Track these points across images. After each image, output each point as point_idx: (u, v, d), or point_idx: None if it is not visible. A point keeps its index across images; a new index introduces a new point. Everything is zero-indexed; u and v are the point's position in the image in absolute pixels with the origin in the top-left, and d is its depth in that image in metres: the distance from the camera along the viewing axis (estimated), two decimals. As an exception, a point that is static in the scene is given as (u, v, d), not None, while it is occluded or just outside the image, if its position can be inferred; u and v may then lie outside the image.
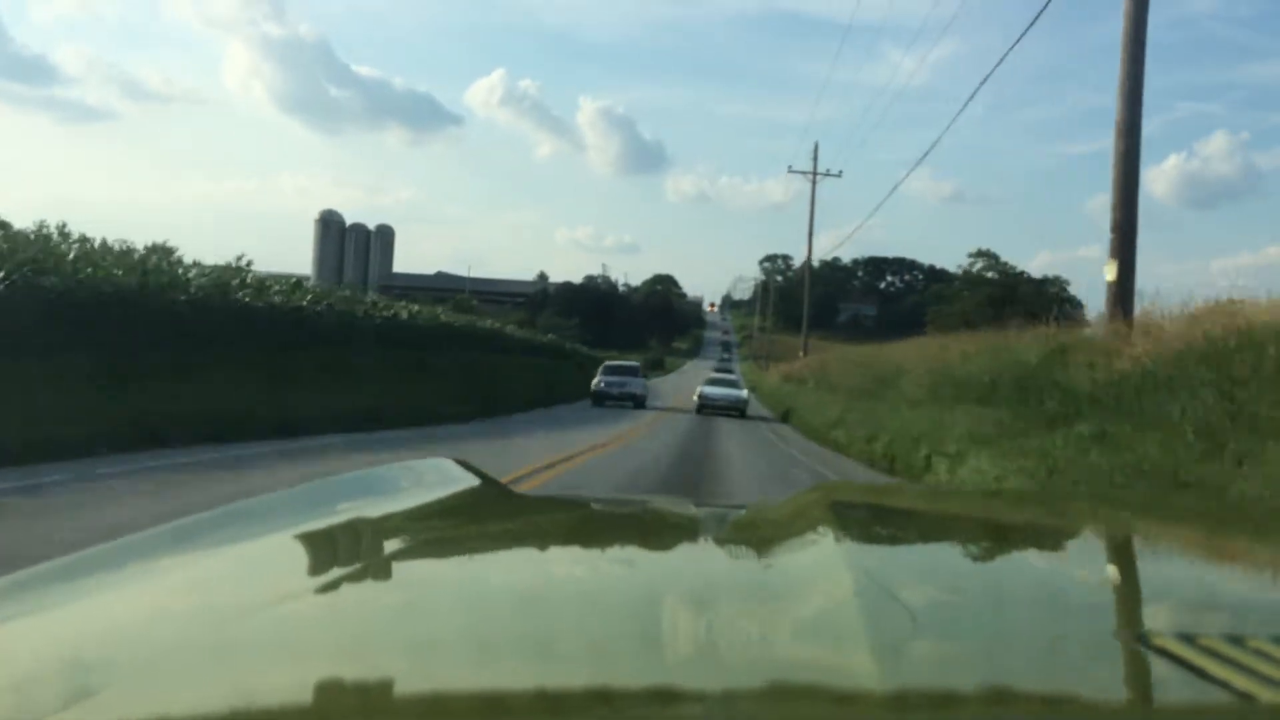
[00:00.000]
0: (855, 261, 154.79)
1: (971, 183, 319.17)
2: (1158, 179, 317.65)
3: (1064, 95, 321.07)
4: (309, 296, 17.85)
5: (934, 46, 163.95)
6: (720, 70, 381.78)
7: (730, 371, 46.23)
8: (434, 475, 1.48)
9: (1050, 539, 1.29)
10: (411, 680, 0.63)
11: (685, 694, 0.59)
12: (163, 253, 15.20)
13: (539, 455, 12.42)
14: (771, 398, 39.57)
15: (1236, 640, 0.66)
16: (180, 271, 14.28)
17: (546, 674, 0.64)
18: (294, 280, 19.18)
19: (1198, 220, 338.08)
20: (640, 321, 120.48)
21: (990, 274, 70.73)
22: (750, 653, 0.69)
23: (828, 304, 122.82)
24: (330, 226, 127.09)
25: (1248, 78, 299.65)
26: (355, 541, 1.08)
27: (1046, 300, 66.87)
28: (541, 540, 1.17)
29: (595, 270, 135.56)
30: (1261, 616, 0.83)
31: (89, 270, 11.41)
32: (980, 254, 71.78)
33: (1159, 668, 0.64)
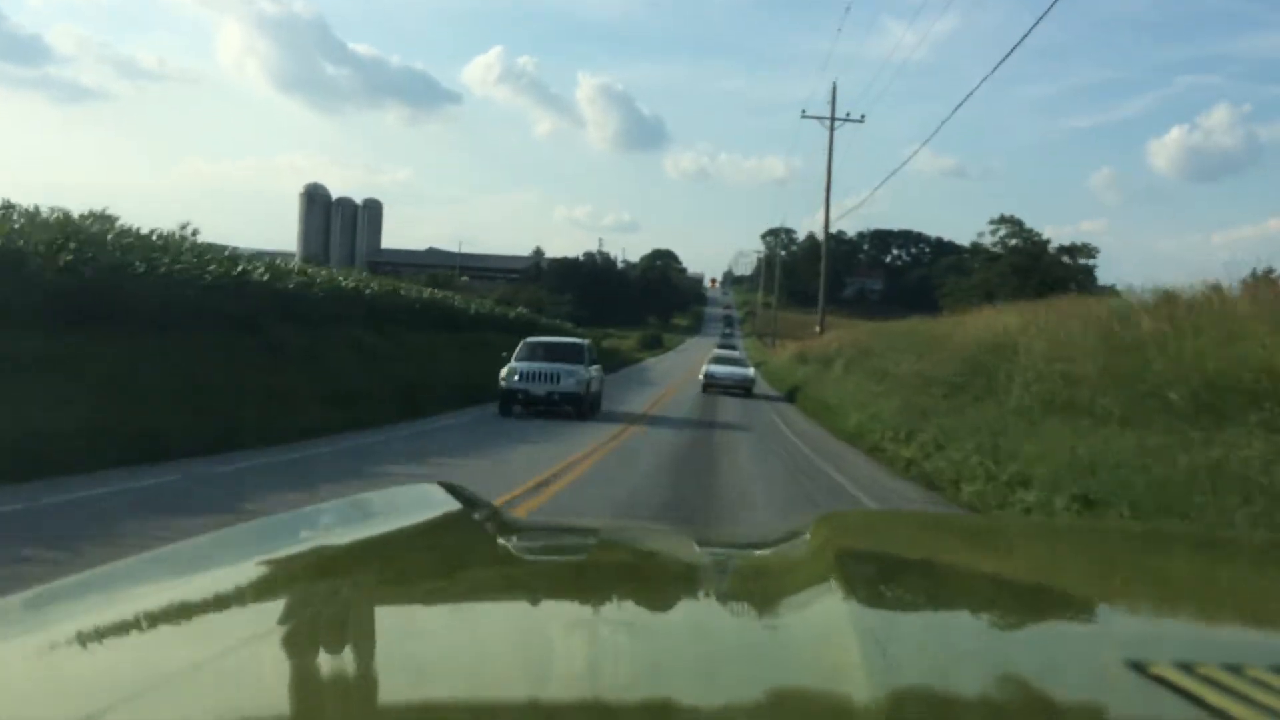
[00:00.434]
0: (860, 235, 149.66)
1: (974, 157, 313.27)
2: (1158, 152, 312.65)
3: (1066, 71, 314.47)
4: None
5: (936, 20, 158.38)
6: (720, 45, 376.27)
7: (734, 349, 43.42)
8: (422, 502, 1.49)
9: (1053, 567, 1.27)
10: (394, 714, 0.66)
11: None
12: (102, 220, 13.69)
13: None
14: (786, 384, 32.84)
15: (1234, 669, 0.67)
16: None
17: None
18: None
19: (1200, 194, 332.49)
20: (639, 298, 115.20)
21: (1014, 241, 65.04)
22: None
23: (834, 278, 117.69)
24: (315, 200, 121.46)
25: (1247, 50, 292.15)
26: (335, 574, 1.08)
27: (1073, 271, 61.97)
28: (532, 594, 1.10)
29: (594, 249, 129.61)
30: (1259, 646, 0.84)
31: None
32: (1003, 220, 66.18)
33: (1158, 697, 0.64)
